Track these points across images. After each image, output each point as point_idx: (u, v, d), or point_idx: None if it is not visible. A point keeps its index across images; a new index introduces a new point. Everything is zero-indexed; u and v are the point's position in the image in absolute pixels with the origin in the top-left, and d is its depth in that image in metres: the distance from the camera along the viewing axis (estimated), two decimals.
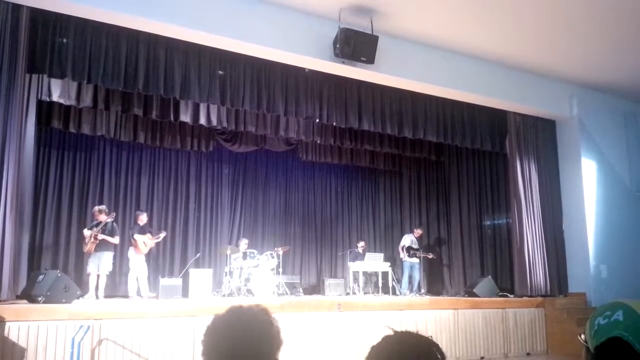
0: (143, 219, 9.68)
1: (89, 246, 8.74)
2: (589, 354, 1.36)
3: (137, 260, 9.39)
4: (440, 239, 12.91)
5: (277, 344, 1.70)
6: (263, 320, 1.71)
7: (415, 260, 11.86)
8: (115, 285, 10.19)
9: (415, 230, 12.35)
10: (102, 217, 8.94)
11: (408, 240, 12.10)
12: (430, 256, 12.01)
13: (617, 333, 1.27)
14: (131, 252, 9.46)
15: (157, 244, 10.07)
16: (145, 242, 9.48)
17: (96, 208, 9.17)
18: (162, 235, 9.98)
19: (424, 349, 1.34)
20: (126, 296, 9.42)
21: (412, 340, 1.35)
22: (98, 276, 8.79)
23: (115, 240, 9.01)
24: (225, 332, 1.64)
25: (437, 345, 1.37)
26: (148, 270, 9.61)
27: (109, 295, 9.27)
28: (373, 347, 1.37)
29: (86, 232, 8.84)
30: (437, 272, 12.76)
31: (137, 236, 9.43)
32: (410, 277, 11.85)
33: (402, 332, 1.38)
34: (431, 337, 1.38)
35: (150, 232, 9.74)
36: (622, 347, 1.25)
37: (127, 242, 10.40)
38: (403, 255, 11.93)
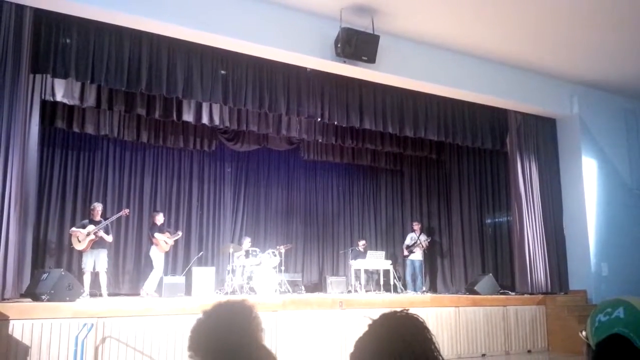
0: (159, 218, 9.85)
1: (86, 244, 8.79)
2: (590, 351, 1.36)
3: (160, 259, 9.56)
4: (442, 237, 12.94)
5: (259, 334, 1.79)
6: (244, 312, 1.79)
7: (416, 257, 11.90)
8: (119, 284, 10.27)
9: (413, 225, 12.39)
10: (98, 216, 9.07)
11: (408, 239, 12.17)
12: (425, 239, 11.98)
13: (618, 330, 1.28)
14: (153, 250, 9.61)
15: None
16: (166, 240, 9.61)
17: (99, 205, 9.24)
18: (179, 234, 10.15)
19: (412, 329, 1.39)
20: (135, 294, 9.51)
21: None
22: (92, 274, 8.85)
23: (110, 238, 9.11)
24: (209, 327, 1.73)
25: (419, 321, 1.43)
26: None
27: (112, 293, 9.33)
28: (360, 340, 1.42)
29: (82, 230, 8.81)
30: (439, 270, 12.80)
31: (157, 235, 9.60)
32: (413, 275, 11.90)
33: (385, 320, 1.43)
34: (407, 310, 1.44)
35: (169, 232, 9.86)
36: (622, 344, 1.26)
37: (129, 240, 10.52)
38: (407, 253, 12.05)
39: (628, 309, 1.31)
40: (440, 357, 1.40)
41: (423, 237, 12.04)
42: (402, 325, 1.42)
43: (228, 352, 1.71)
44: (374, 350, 1.40)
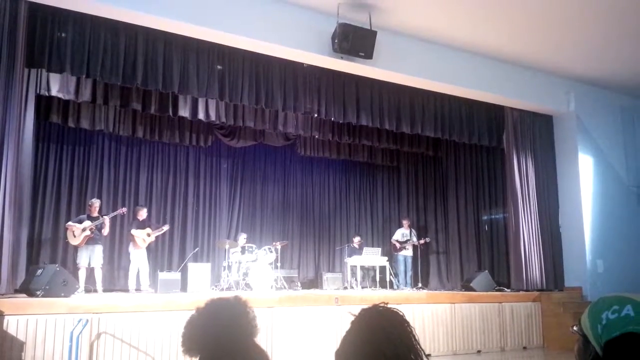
0: (142, 214, 9.74)
1: (81, 239, 8.76)
2: (588, 346, 1.36)
3: (136, 255, 9.45)
4: (438, 234, 12.94)
5: (252, 330, 1.82)
6: (239, 309, 1.81)
7: (408, 253, 11.89)
8: (114, 279, 10.23)
9: (403, 222, 12.37)
10: (96, 212, 9.04)
11: (399, 234, 12.15)
12: (422, 241, 11.99)
13: (632, 329, 1.28)
14: (130, 246, 9.53)
15: (157, 237, 10.07)
16: (144, 238, 9.51)
17: (97, 202, 9.20)
18: (165, 228, 10.03)
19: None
20: (125, 290, 9.47)
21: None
22: (87, 269, 8.81)
23: (104, 231, 9.07)
24: (203, 323, 1.76)
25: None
26: (148, 264, 9.64)
27: (107, 289, 9.31)
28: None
29: (78, 225, 8.79)
30: (434, 267, 12.81)
31: (134, 231, 9.51)
32: (404, 271, 11.90)
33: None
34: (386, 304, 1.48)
35: (150, 227, 9.77)
36: (637, 342, 1.27)
37: (125, 237, 10.48)
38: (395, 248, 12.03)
39: (637, 307, 1.32)
40: (421, 349, 1.42)
41: (415, 236, 12.03)
42: (382, 319, 1.44)
43: (222, 348, 1.71)
44: (357, 346, 1.41)
